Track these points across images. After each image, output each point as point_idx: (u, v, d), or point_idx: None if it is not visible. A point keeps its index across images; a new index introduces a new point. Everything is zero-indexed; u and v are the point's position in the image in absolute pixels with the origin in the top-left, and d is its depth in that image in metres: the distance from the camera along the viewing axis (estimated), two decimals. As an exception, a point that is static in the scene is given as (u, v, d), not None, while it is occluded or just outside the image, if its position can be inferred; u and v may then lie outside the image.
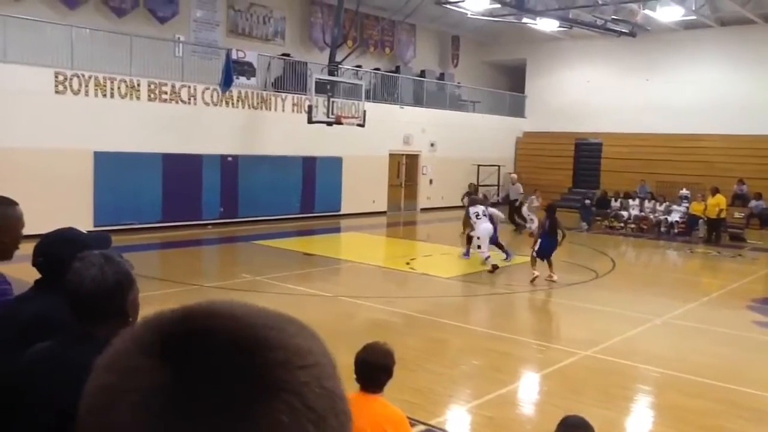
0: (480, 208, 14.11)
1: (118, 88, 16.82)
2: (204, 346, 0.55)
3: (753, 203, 23.00)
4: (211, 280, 12.51)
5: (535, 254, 12.71)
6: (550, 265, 12.76)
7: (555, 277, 12.66)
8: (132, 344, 0.57)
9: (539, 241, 12.71)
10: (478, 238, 13.81)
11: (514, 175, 22.60)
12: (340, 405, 0.58)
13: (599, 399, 6.99)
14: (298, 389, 0.54)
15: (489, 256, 13.58)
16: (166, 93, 17.80)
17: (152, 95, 17.53)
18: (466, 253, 15.15)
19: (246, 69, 20.07)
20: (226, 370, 0.54)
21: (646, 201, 22.61)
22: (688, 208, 21.48)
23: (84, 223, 14.72)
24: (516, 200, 21.09)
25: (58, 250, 2.47)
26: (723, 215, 20.15)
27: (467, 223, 15.44)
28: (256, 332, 0.56)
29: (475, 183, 20.06)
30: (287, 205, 20.81)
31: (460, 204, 21.26)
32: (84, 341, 1.99)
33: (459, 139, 26.61)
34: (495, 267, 13.39)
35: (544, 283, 12.56)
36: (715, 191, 20.42)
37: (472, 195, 16.98)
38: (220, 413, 0.52)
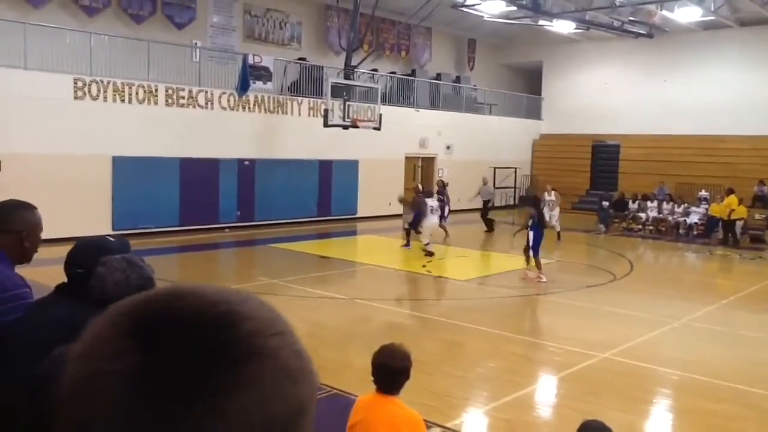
0: (434, 203, 15.92)
1: (136, 93, 16.98)
2: (180, 324, 0.57)
3: (756, 189, 22.62)
4: (228, 282, 12.56)
5: (531, 252, 12.91)
6: (538, 265, 12.84)
7: (544, 278, 12.77)
8: (109, 331, 0.58)
9: (530, 234, 12.86)
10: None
11: (486, 177, 22.71)
12: (308, 365, 0.63)
13: (618, 402, 6.94)
14: (274, 353, 0.59)
15: (429, 242, 15.55)
16: (183, 98, 17.94)
17: (170, 100, 17.67)
18: (407, 244, 16.66)
19: (262, 74, 20.19)
20: (207, 343, 0.57)
21: (665, 203, 22.42)
22: (707, 209, 21.27)
23: (103, 227, 14.87)
24: (488, 201, 21.47)
25: (94, 261, 2.45)
26: (734, 216, 19.87)
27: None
28: (228, 308, 0.60)
29: (443, 180, 20.25)
30: (304, 209, 20.87)
31: (476, 207, 21.25)
32: None
33: (475, 142, 26.56)
34: (431, 253, 15.12)
35: (561, 286, 12.48)
36: (730, 192, 20.22)
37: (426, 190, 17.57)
38: (205, 383, 0.55)
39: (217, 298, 0.61)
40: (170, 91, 17.67)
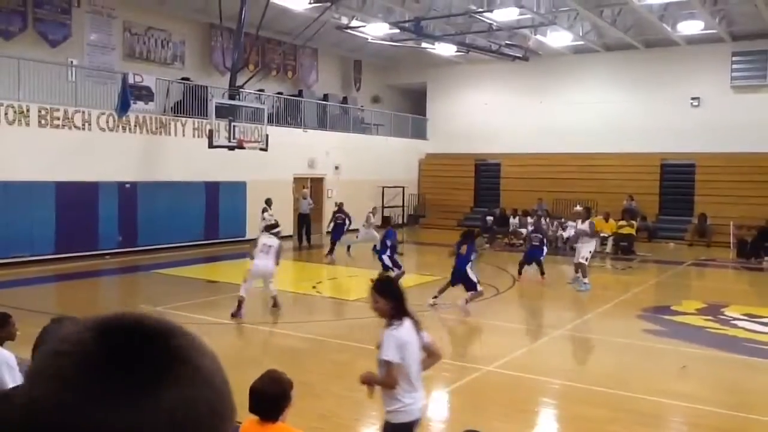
0: (271, 240, 11.36)
1: (5, 114, 16.05)
2: (130, 331, 0.74)
3: (625, 203, 24.23)
4: (107, 312, 12.04)
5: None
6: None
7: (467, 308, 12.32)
8: (82, 328, 0.75)
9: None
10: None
11: (306, 190, 23.14)
12: (227, 383, 0.78)
13: (502, 413, 7.21)
14: (199, 363, 0.75)
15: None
16: (58, 119, 17.12)
17: (43, 121, 16.82)
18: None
19: (144, 93, 19.61)
20: (147, 345, 0.73)
21: (543, 218, 23.50)
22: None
23: (-31, 257, 13.91)
24: (307, 214, 22.22)
25: None
26: (603, 233, 21.34)
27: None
28: (166, 325, 0.77)
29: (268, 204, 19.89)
30: (190, 232, 20.34)
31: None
32: None
33: (363, 162, 26.89)
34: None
35: (448, 302, 12.79)
36: (607, 216, 21.49)
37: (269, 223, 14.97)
38: (142, 374, 0.71)
39: (160, 323, 0.77)
40: (44, 112, 16.82)
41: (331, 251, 18.87)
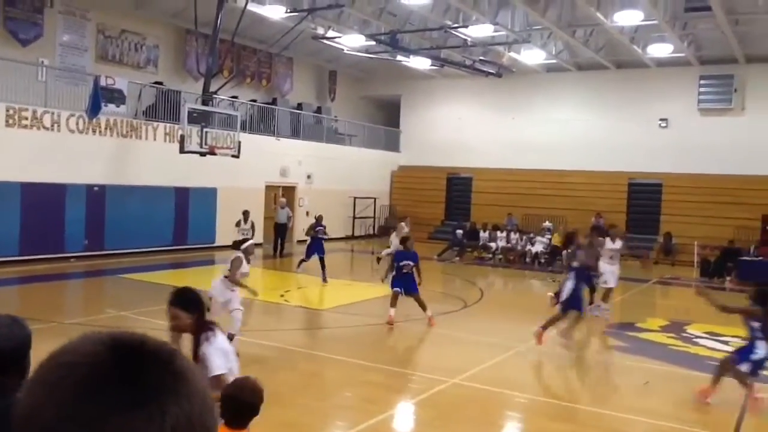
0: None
1: (-27, 112, 15.76)
2: (141, 349, 0.80)
3: (593, 220, 24.47)
4: (72, 316, 11.87)
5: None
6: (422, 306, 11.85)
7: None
8: (88, 341, 0.79)
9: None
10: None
11: (283, 199, 23.11)
12: (210, 394, 0.84)
13: (467, 426, 7.23)
14: (195, 382, 0.81)
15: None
16: (26, 119, 16.85)
17: (11, 120, 16.54)
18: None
19: (116, 96, 19.39)
20: (156, 365, 0.78)
21: (513, 233, 23.72)
22: (550, 239, 22.74)
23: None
24: (284, 224, 21.89)
25: None
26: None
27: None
28: (169, 347, 0.83)
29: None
30: (158, 237, 20.12)
31: (336, 236, 21.45)
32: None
33: (336, 172, 26.89)
34: None
35: (417, 314, 12.81)
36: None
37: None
38: (151, 388, 0.75)
39: (164, 344, 0.83)
40: (12, 111, 16.55)
41: (302, 261, 17.57)
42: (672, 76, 25.69)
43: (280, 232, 22.00)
